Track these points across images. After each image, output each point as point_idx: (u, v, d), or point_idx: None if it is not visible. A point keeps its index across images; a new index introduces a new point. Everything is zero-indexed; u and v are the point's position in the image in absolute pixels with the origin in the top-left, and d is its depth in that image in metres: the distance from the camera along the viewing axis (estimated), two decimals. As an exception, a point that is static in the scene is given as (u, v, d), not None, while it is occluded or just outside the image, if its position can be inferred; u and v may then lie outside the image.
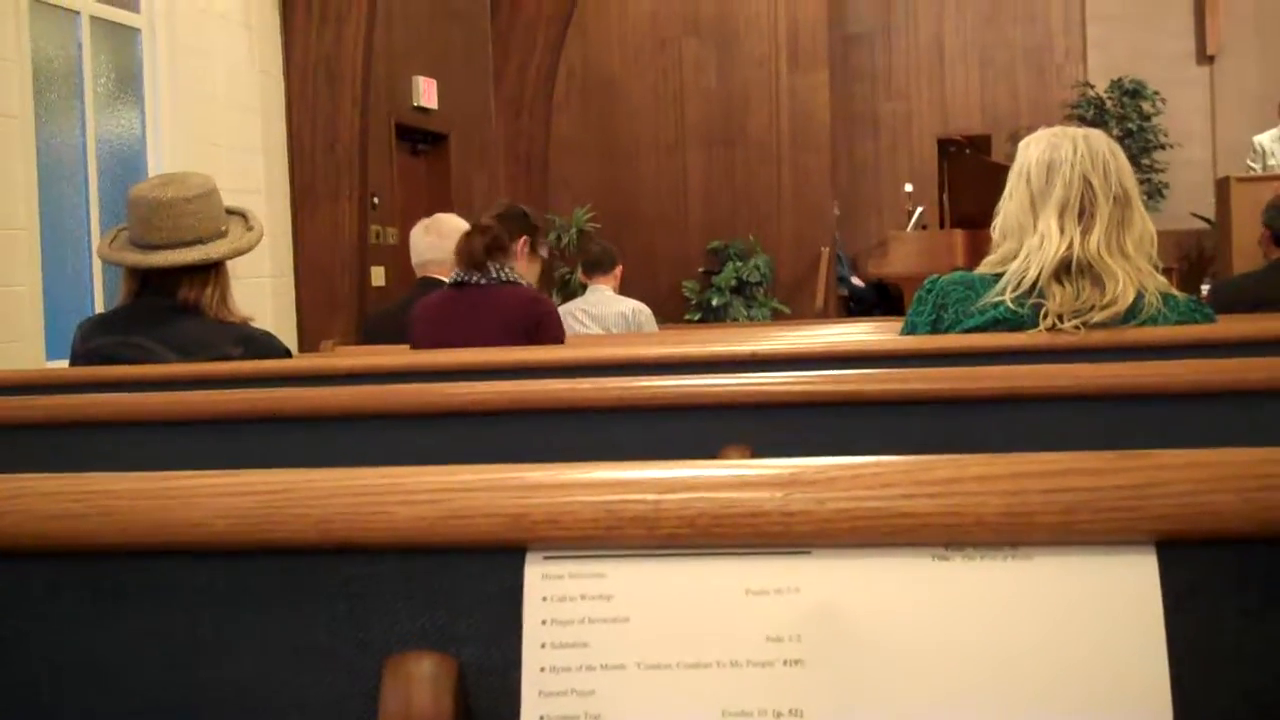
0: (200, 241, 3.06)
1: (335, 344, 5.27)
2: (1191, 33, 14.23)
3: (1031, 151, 2.67)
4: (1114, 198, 2.57)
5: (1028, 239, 2.59)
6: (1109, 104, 14.04)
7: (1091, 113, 13.86)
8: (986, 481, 0.76)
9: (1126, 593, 0.75)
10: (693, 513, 0.78)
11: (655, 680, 0.77)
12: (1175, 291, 2.64)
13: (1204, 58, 14.21)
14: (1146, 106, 13.98)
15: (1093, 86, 14.13)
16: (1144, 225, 2.61)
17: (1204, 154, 14.06)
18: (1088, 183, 2.57)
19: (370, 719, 0.81)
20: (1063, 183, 2.58)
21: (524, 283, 4.10)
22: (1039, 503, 0.75)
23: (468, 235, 4.07)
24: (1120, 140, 13.52)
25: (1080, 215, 2.57)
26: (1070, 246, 2.54)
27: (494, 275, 3.99)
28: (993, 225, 2.74)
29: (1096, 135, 2.67)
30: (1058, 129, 2.71)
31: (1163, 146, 13.96)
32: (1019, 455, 0.78)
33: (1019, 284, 2.56)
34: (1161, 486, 0.76)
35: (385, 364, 2.91)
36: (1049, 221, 2.57)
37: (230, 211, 3.22)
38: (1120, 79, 14.03)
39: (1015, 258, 2.61)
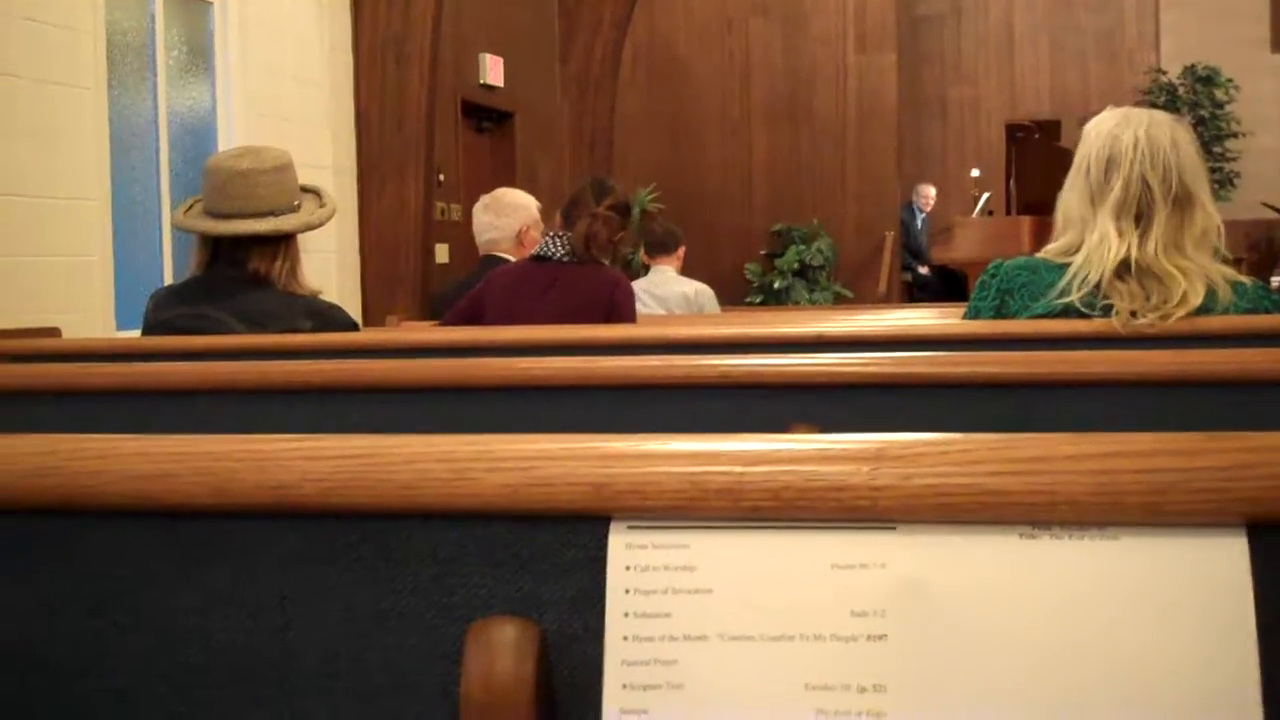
0: (273, 213, 3.09)
1: (400, 319, 5.30)
2: (1266, 21, 14.00)
3: (1093, 141, 2.62)
4: (1173, 199, 2.52)
5: (1088, 235, 2.56)
6: (1181, 90, 13.85)
7: (1164, 99, 13.68)
8: (1076, 460, 0.76)
9: (1216, 575, 0.75)
10: (777, 485, 0.78)
11: (737, 652, 0.78)
12: (1243, 278, 2.59)
13: (1278, 45, 13.98)
14: (1219, 94, 13.78)
15: (1165, 73, 13.95)
16: (1207, 220, 2.55)
17: (1276, 143, 13.84)
18: (1145, 184, 2.52)
19: (453, 683, 0.82)
20: (1121, 182, 2.53)
21: (605, 262, 4.10)
22: (1129, 483, 0.75)
23: (591, 220, 4.03)
24: (1192, 128, 13.43)
25: (1137, 219, 2.53)
26: (1128, 250, 2.50)
27: (579, 259, 4.00)
28: (1056, 211, 2.71)
29: (1161, 124, 2.60)
30: (1123, 111, 2.65)
31: (1235, 134, 13.76)
32: (1108, 435, 0.77)
33: (1083, 282, 2.52)
34: (1252, 468, 0.75)
35: (453, 339, 2.93)
36: (1106, 222, 2.53)
37: (304, 189, 3.24)
38: (1193, 65, 13.84)
39: (1077, 250, 2.58)
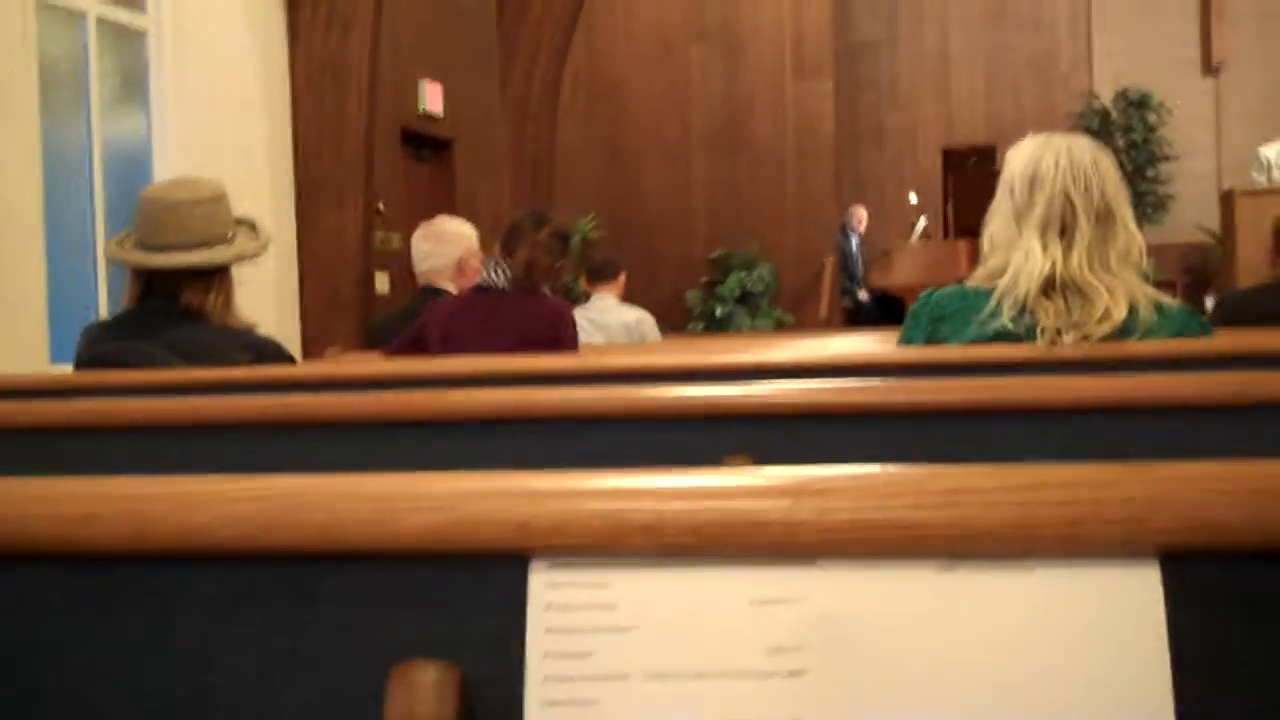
0: (206, 245, 3.07)
1: (339, 350, 5.27)
2: (1197, 42, 14.24)
3: (1016, 163, 2.66)
4: (1095, 215, 2.57)
5: (1014, 255, 2.59)
6: (1114, 114, 14.05)
7: (1097, 123, 13.87)
8: (992, 493, 0.76)
9: (1130, 606, 0.75)
10: (697, 522, 0.78)
11: (658, 690, 0.77)
12: (1167, 300, 2.63)
13: (1209, 68, 14.22)
14: (1152, 118, 13.99)
15: (1099, 97, 14.14)
16: (1130, 238, 2.60)
17: (1209, 166, 14.06)
18: (1068, 200, 2.57)
19: (374, 726, 0.81)
20: (1044, 199, 2.58)
21: (547, 291, 4.11)
22: (1045, 514, 0.75)
23: (531, 247, 4.03)
24: (1125, 152, 13.62)
25: (1061, 233, 2.57)
26: (1053, 265, 2.54)
27: (521, 282, 4.00)
28: (982, 236, 2.75)
29: (1082, 146, 2.65)
30: (1044, 137, 2.70)
31: (1167, 158, 13.97)
32: (1025, 466, 0.78)
33: (1013, 301, 2.55)
34: (1166, 499, 0.76)
35: (390, 372, 2.91)
36: (1031, 239, 2.57)
37: (239, 220, 3.23)
38: (1126, 90, 14.04)
39: (1003, 273, 2.61)
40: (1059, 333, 2.50)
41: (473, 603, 0.83)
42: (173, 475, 0.88)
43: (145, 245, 3.09)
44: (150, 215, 3.08)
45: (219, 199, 3.16)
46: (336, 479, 0.84)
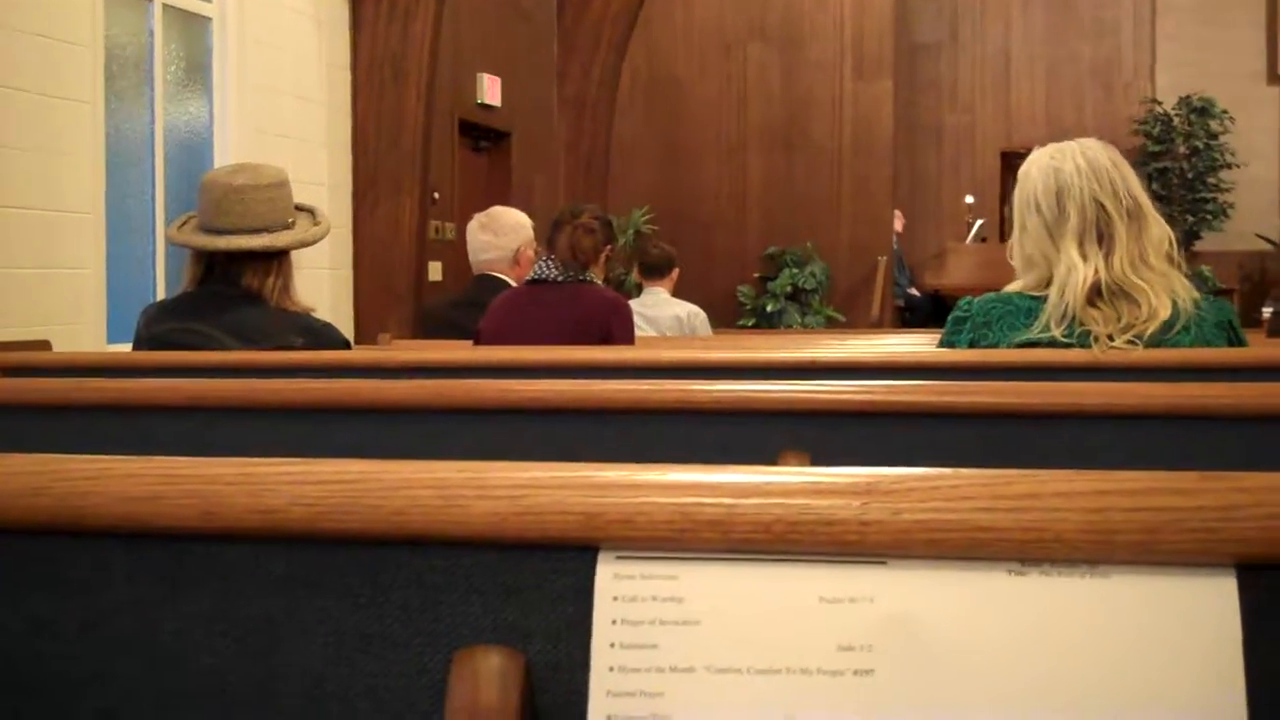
0: (267, 230, 3.09)
1: (392, 337, 5.30)
2: (1262, 52, 14.07)
3: (1034, 179, 2.63)
4: (1127, 213, 2.55)
5: (1056, 269, 2.57)
6: (1176, 121, 13.90)
7: (1158, 129, 13.73)
8: (1067, 498, 0.75)
9: (1205, 615, 0.75)
10: (768, 518, 0.78)
11: (724, 684, 0.77)
12: (1196, 292, 2.61)
13: (1274, 78, 14.05)
14: (1214, 125, 13.83)
15: (1160, 103, 13.99)
16: (1160, 229, 2.59)
17: (1270, 174, 13.90)
18: (1099, 205, 2.55)
19: (437, 711, 0.82)
20: (1076, 209, 2.55)
21: (599, 283, 4.11)
22: (1120, 521, 0.74)
23: (572, 230, 4.05)
24: (1186, 158, 13.47)
25: (1100, 240, 2.55)
26: (1097, 273, 2.52)
27: (573, 274, 4.01)
28: (1009, 254, 2.72)
29: (1093, 147, 2.63)
30: (1050, 148, 2.67)
31: (1229, 166, 13.81)
32: (1100, 473, 0.77)
33: (1060, 315, 2.53)
34: (1243, 509, 0.75)
35: (446, 359, 2.93)
36: (1070, 251, 2.54)
37: (299, 207, 3.25)
38: (1188, 96, 13.88)
39: (1044, 285, 2.59)
40: (1110, 338, 2.49)
41: (539, 592, 0.83)
42: (238, 457, 0.89)
43: (207, 229, 3.11)
44: (212, 199, 3.10)
45: (281, 184, 3.18)
46: (407, 465, 0.85)
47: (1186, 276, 2.62)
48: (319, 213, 3.30)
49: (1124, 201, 2.56)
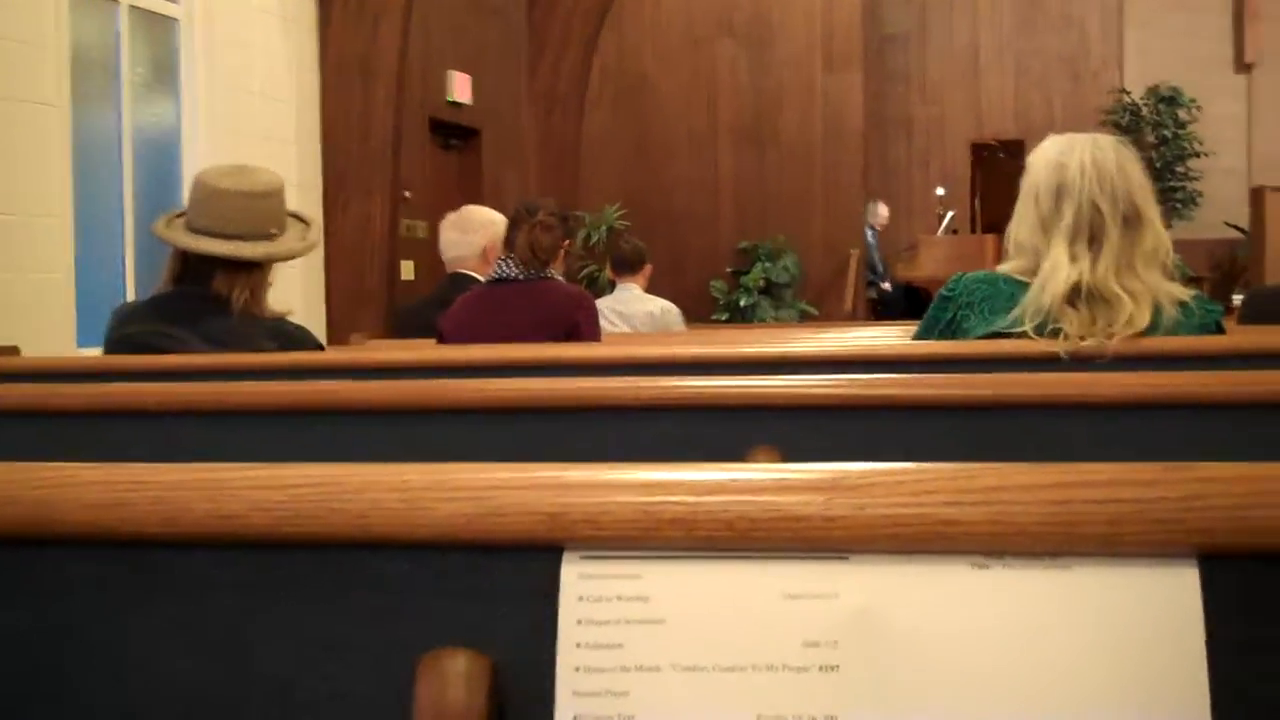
0: (240, 238, 3.02)
1: (365, 337, 5.28)
2: (1230, 40, 14.14)
3: (1040, 169, 2.63)
4: (1123, 219, 2.55)
5: (1042, 264, 2.57)
6: (1144, 110, 13.96)
7: (1127, 119, 13.78)
8: (1029, 490, 0.76)
9: (1167, 606, 0.75)
10: (731, 516, 0.77)
11: (690, 683, 0.77)
12: (1187, 297, 2.60)
13: (1242, 66, 14.11)
14: (1182, 114, 13.89)
15: (1128, 93, 14.05)
16: (1156, 238, 2.58)
17: (1239, 163, 13.96)
18: (1096, 208, 2.55)
19: (403, 715, 0.81)
20: (1072, 209, 2.55)
21: (561, 278, 4.10)
22: (1082, 513, 0.75)
23: (530, 229, 4.03)
24: (1154, 148, 13.52)
25: (1090, 242, 2.55)
26: (1080, 274, 2.52)
27: (534, 272, 3.99)
28: (1005, 236, 2.73)
29: (1105, 147, 2.62)
30: (1067, 138, 2.67)
31: (1197, 155, 13.87)
32: (1062, 465, 0.77)
33: (1036, 310, 2.54)
34: (1205, 499, 0.75)
35: (417, 359, 2.92)
36: (1059, 249, 2.55)
37: (295, 216, 3.18)
38: (1156, 86, 13.94)
39: (1030, 273, 2.59)
40: (1081, 339, 2.49)
41: (504, 593, 0.83)
42: (201, 462, 0.88)
43: (190, 227, 3.07)
44: (197, 198, 3.07)
45: (269, 194, 3.10)
46: (369, 468, 0.84)
47: (1183, 282, 2.62)
48: (314, 227, 3.24)
49: (1121, 207, 2.55)
